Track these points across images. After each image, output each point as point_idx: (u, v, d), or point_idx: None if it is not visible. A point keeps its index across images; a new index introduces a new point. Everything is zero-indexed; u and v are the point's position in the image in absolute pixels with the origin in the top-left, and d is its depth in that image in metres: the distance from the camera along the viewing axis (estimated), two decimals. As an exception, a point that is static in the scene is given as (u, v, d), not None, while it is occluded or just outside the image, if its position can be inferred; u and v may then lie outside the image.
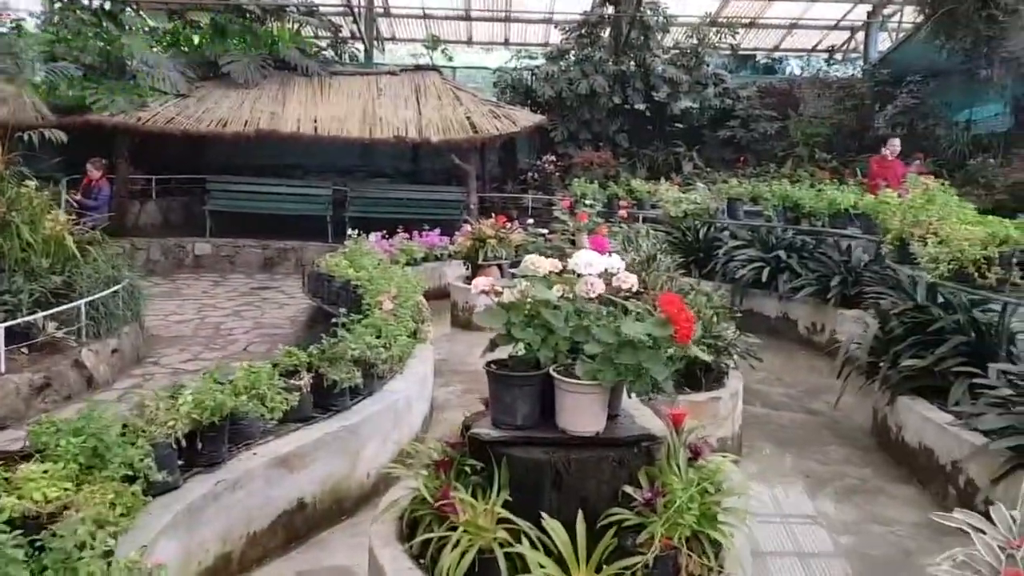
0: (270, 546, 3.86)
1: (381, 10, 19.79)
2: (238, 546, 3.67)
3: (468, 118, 14.52)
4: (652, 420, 3.16)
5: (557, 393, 2.96)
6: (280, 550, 3.94)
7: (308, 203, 14.82)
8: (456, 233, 11.15)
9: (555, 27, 18.80)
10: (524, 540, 2.74)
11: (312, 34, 17.30)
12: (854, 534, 4.39)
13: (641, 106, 16.92)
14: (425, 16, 20.21)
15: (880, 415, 5.69)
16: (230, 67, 14.86)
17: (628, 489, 2.88)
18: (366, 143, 14.93)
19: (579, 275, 3.10)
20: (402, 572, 2.77)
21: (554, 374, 2.93)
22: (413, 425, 5.23)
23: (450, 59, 19.08)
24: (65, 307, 6.80)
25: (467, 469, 3.01)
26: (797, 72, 21.03)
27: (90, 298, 7.06)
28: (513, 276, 9.52)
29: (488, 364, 3.07)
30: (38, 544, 2.44)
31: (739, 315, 6.18)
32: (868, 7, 18.47)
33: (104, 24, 14.28)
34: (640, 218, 12.48)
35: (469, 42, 21.40)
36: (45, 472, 2.83)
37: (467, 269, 9.87)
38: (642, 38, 16.94)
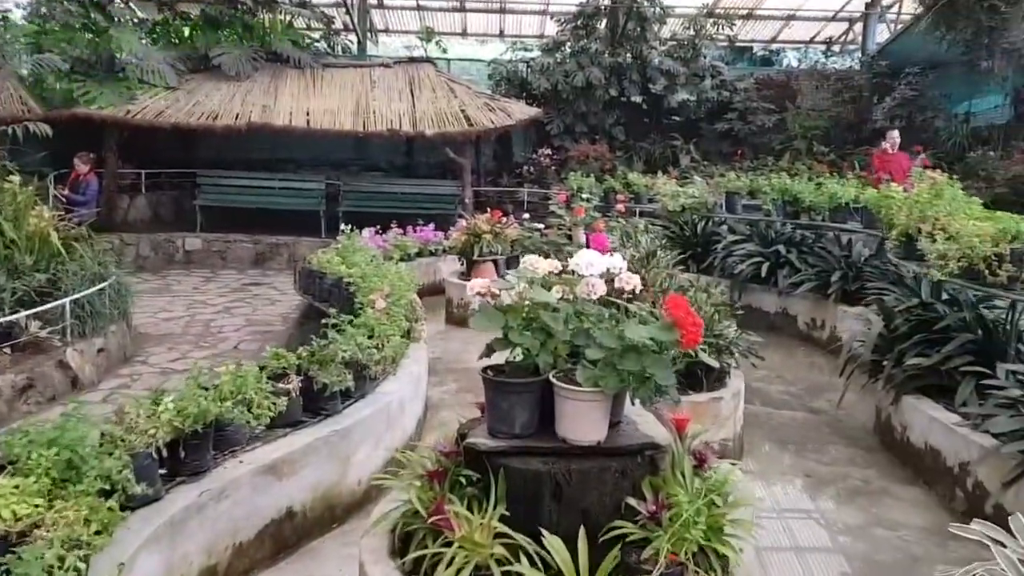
0: (258, 557, 3.71)
1: (374, 2, 19.56)
2: (224, 558, 3.52)
3: (463, 111, 14.34)
4: (656, 427, 3.02)
5: (557, 400, 2.81)
6: (268, 561, 3.79)
7: (300, 197, 14.64)
8: (451, 228, 10.99)
9: (551, 18, 18.59)
10: (523, 557, 2.60)
11: (304, 26, 17.07)
12: (859, 538, 4.27)
13: (638, 98, 16.76)
14: (419, 8, 19.98)
15: (884, 414, 5.56)
16: (221, 59, 14.65)
17: (631, 501, 2.75)
18: (359, 136, 14.73)
19: (580, 276, 2.95)
20: (394, 591, 2.63)
21: (554, 380, 2.79)
22: (407, 427, 5.09)
23: (444, 51, 18.89)
24: (49, 306, 6.64)
25: (462, 480, 2.87)
26: (794, 64, 20.89)
27: (75, 296, 6.89)
28: (509, 271, 9.43)
29: (484, 370, 2.92)
30: (3, 568, 2.29)
31: (740, 312, 6.03)
32: (867, -2, 18.34)
33: (92, 15, 14.07)
34: (637, 212, 12.35)
35: (464, 34, 21.19)
36: (16, 487, 2.67)
37: (462, 265, 9.71)
38: (638, 29, 16.76)
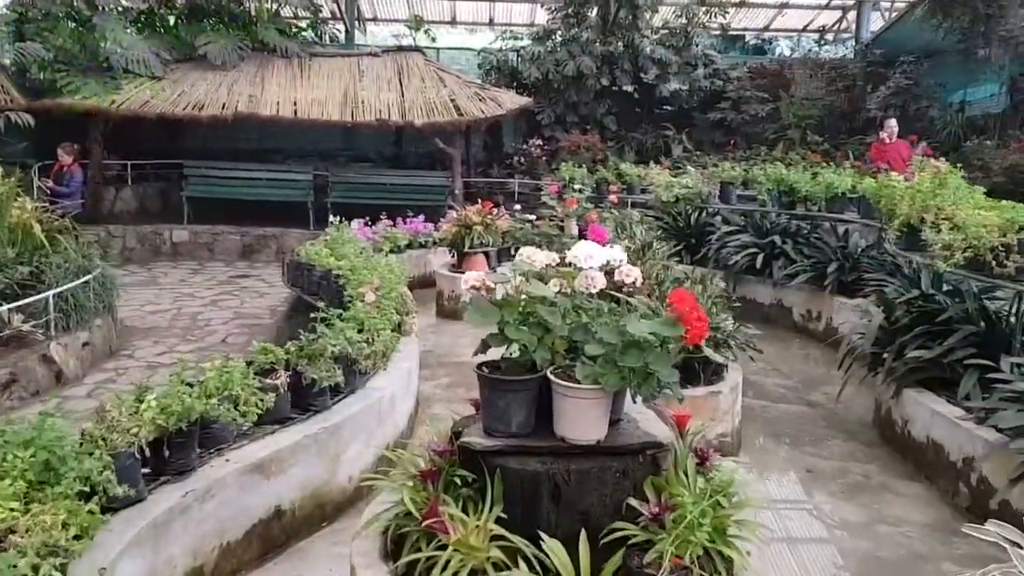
0: (245, 558, 3.60)
1: (362, -11, 19.35)
2: (210, 560, 3.40)
3: (452, 100, 14.18)
4: (657, 425, 2.92)
5: (555, 398, 2.70)
6: (256, 562, 3.68)
7: (288, 189, 14.46)
8: (441, 219, 10.85)
9: (541, 7, 18.39)
10: (520, 561, 2.49)
11: (291, 15, 16.84)
12: (861, 535, 4.18)
13: (629, 88, 16.61)
14: (407, -4, 19.80)
15: (884, 408, 5.48)
16: (207, 49, 14.41)
17: (633, 502, 2.64)
18: (348, 127, 14.57)
19: (578, 268, 2.84)
20: (387, 598, 2.52)
21: (552, 377, 2.68)
22: (398, 423, 4.97)
23: (433, 40, 18.67)
24: (32, 299, 6.50)
25: (457, 480, 2.75)
26: (787, 53, 20.78)
27: (59, 289, 6.75)
28: (500, 264, 9.31)
29: (479, 366, 2.81)
30: (-27, 579, 2.17)
31: (737, 304, 5.93)
32: (860, -14, 18.23)
33: (75, 4, 13.80)
34: (629, 203, 12.23)
35: (453, 23, 20.99)
36: (-11, 491, 2.55)
37: (453, 257, 9.58)
38: (630, 18, 16.59)
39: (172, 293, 10.34)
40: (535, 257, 2.81)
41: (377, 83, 14.69)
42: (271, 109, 13.63)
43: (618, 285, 2.99)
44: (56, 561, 2.38)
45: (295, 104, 13.84)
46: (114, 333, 7.75)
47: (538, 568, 2.50)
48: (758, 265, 9.04)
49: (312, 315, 4.78)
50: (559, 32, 17.17)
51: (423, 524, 2.58)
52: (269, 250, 13.38)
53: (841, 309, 7.91)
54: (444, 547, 2.54)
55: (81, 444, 3.02)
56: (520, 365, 2.78)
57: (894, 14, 16.87)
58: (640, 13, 16.67)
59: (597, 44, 16.36)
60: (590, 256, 2.81)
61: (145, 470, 3.32)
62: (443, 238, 9.71)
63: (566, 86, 16.57)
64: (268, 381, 3.97)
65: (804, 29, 21.19)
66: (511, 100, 14.84)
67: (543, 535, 2.52)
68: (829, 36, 20.75)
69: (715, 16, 17.36)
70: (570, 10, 16.99)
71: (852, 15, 19.39)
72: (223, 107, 13.46)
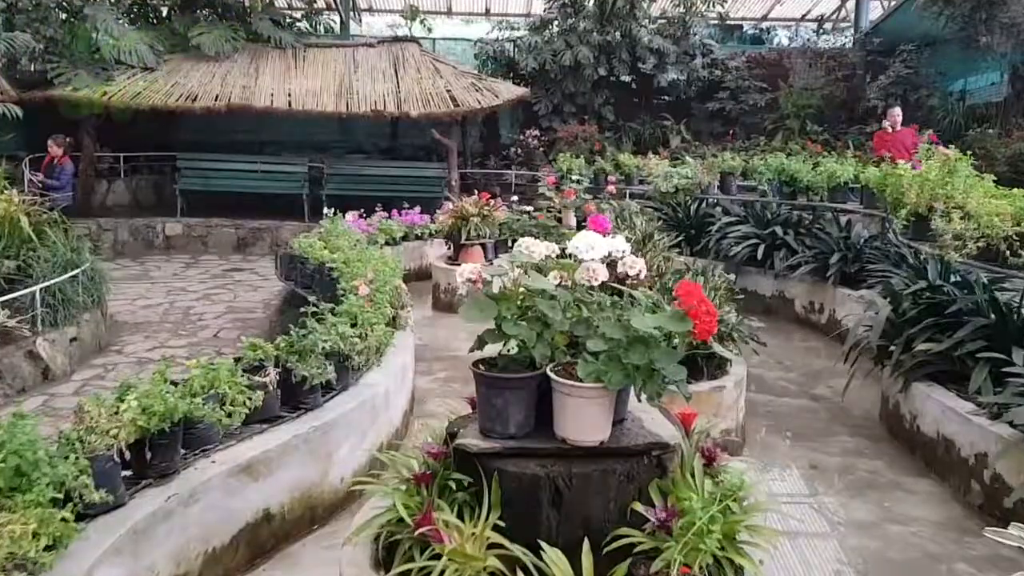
0: (232, 564, 3.45)
1: (358, -21, 19.10)
2: (194, 567, 3.26)
3: (448, 91, 13.99)
4: (663, 424, 2.78)
5: (555, 397, 2.56)
6: (244, 567, 3.54)
7: (283, 181, 14.27)
8: (437, 211, 10.68)
9: (538, -4, 18.20)
10: (519, 571, 2.35)
11: (286, 5, 16.63)
12: (870, 535, 4.05)
13: (627, 78, 16.42)
14: (403, -14, 19.52)
15: (891, 402, 5.35)
16: (200, 39, 14.19)
17: (638, 507, 2.51)
18: (343, 118, 14.38)
19: (579, 260, 2.69)
20: (378, 610, 2.38)
21: (552, 375, 2.53)
22: (392, 420, 4.83)
23: (429, 30, 18.45)
24: (18, 293, 6.35)
25: (452, 484, 2.61)
26: (785, 43, 20.58)
27: (46, 284, 6.59)
28: (498, 255, 9.15)
29: (475, 364, 2.66)
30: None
31: (741, 296, 5.78)
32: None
33: (66, -6, 13.58)
34: (627, 194, 12.08)
35: (449, 13, 20.74)
36: (-46, 500, 2.40)
37: (449, 249, 9.42)
38: (628, 7, 16.39)
39: (164, 287, 10.17)
40: (534, 248, 2.66)
41: (372, 74, 14.50)
42: (265, 100, 13.44)
43: (621, 277, 2.84)
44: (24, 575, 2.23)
45: (289, 95, 13.65)
46: (104, 328, 7.58)
47: (538, 578, 2.36)
48: (759, 256, 8.89)
49: (302, 310, 4.63)
50: (556, 22, 16.98)
51: (416, 532, 2.44)
52: (263, 243, 13.19)
53: (844, 301, 7.77)
54: (439, 556, 2.40)
55: (57, 447, 2.87)
56: (518, 362, 2.64)
57: (893, 2, 16.66)
58: (638, 2, 16.49)
59: (594, 34, 16.16)
60: (591, 247, 2.66)
61: (127, 472, 3.19)
62: (439, 230, 9.56)
63: (563, 76, 16.39)
64: (257, 379, 3.81)
65: (803, 18, 20.99)
66: (508, 90, 14.65)
67: (543, 544, 2.38)
68: (828, 25, 20.56)
69: (713, 5, 17.15)
70: (567, -1, 16.80)
71: (851, 4, 19.17)
72: (216, 98, 13.26)
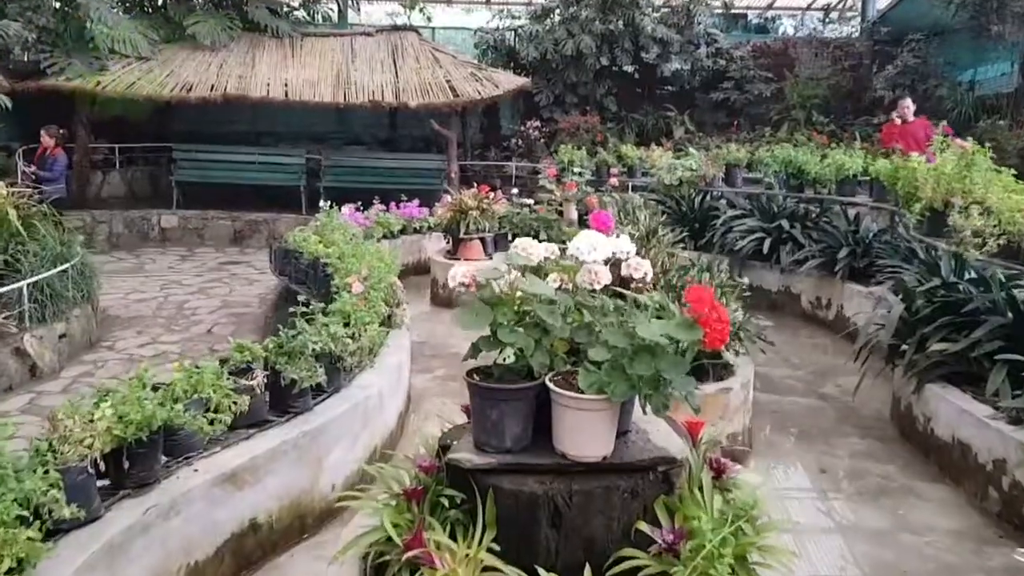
0: (216, 577, 3.29)
1: (356, -32, 18.82)
2: (176, 581, 3.10)
3: (448, 81, 13.78)
4: (669, 436, 2.61)
5: (555, 409, 2.39)
6: (229, 580, 3.38)
7: (280, 172, 14.08)
8: (436, 204, 10.49)
9: (539, -16, 17.93)
10: (516, 597, 2.19)
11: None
12: (884, 544, 3.88)
13: (630, 68, 16.19)
14: (403, -26, 19.24)
15: (903, 403, 5.17)
16: (195, 28, 13.99)
17: (643, 527, 2.34)
18: (341, 108, 14.18)
19: (581, 262, 2.51)
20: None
21: (551, 386, 2.36)
22: (387, 422, 4.66)
23: (429, 19, 18.20)
24: (5, 289, 6.19)
25: (444, 501, 2.44)
26: (790, 32, 20.31)
27: (34, 278, 6.43)
28: (497, 250, 8.97)
29: (470, 373, 2.49)
30: None
31: (748, 294, 5.59)
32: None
33: (60, -18, 13.38)
34: (630, 186, 11.89)
35: (448, 1, 20.47)
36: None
37: (448, 243, 9.23)
38: (631, -5, 16.16)
39: (159, 280, 10.01)
40: (531, 249, 2.48)
41: (370, 64, 14.29)
42: (261, 91, 13.24)
43: (626, 280, 2.67)
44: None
45: (286, 85, 13.45)
46: (94, 324, 7.42)
47: (536, 605, 2.20)
48: (765, 250, 8.71)
49: (291, 310, 4.45)
50: (557, 10, 16.72)
51: (405, 555, 2.27)
52: (260, 235, 13.01)
53: (853, 296, 7.60)
54: (429, 579, 2.23)
55: (28, 459, 2.71)
56: (515, 372, 2.47)
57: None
58: (641, -10, 16.24)
59: (597, 23, 15.91)
60: (594, 248, 2.48)
61: (104, 482, 3.03)
62: (438, 223, 9.37)
63: (565, 66, 16.16)
64: (243, 382, 3.65)
65: (808, 7, 20.70)
66: (508, 81, 14.44)
67: (540, 571, 2.21)
68: (834, 14, 20.27)
69: (718, -7, 16.92)
70: (569, -12, 16.54)
71: (858, -8, 18.93)
72: (212, 88, 13.07)
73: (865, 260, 7.63)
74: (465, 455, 2.42)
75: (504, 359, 2.48)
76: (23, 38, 12.30)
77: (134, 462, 3.04)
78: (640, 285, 2.63)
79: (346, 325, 4.54)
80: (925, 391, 4.82)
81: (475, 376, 2.46)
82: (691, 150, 11.90)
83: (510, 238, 9.40)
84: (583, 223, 9.24)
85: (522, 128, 16.10)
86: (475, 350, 2.49)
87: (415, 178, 13.85)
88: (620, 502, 2.36)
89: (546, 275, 2.56)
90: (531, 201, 9.89)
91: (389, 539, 2.42)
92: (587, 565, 2.26)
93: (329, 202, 8.73)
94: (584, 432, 2.36)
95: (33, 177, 10.49)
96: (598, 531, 2.34)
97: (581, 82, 16.38)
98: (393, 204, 10.66)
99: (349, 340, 4.30)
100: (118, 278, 9.89)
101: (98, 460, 2.82)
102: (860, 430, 5.38)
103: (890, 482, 4.58)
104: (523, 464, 2.39)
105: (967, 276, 5.29)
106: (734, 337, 4.89)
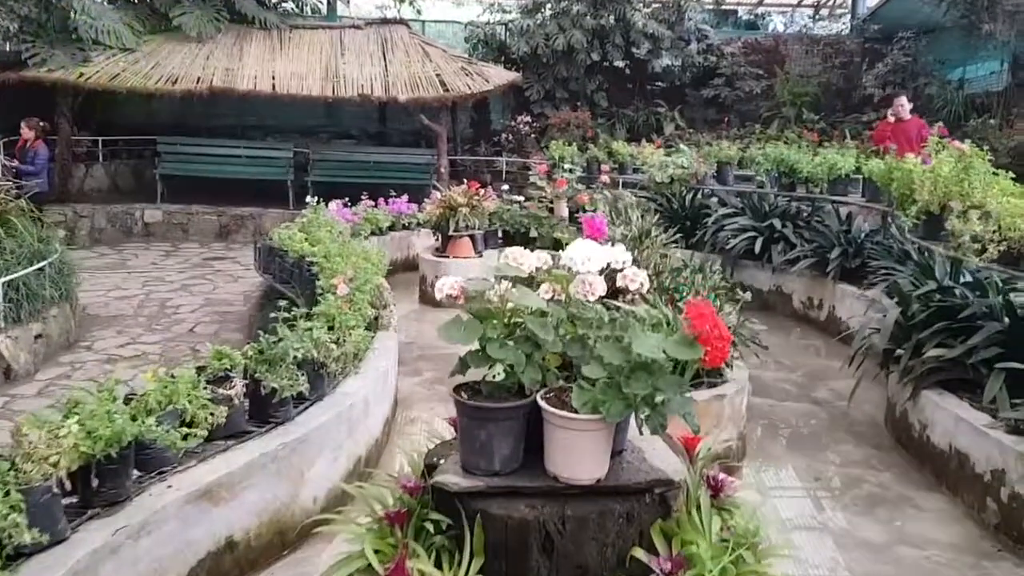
0: (191, 598, 3.15)
1: (345, -41, 18.60)
2: (148, 603, 2.96)
3: (438, 75, 13.61)
4: (666, 455, 2.48)
5: (547, 428, 2.26)
6: (205, 600, 3.24)
7: (267, 167, 13.89)
8: (425, 200, 10.35)
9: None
10: (504, 631, 2.07)
11: (271, -16, 16.15)
12: (881, 559, 3.78)
13: (620, 63, 16.08)
14: (392, -33, 19.02)
15: (898, 409, 5.08)
16: (181, 19, 13.76)
17: (640, 554, 2.22)
18: (329, 102, 14.00)
19: (575, 272, 2.38)
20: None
21: (543, 404, 2.23)
22: (372, 430, 4.52)
23: (419, 12, 18.01)
24: (-22, 288, 6.01)
25: (429, 527, 2.31)
26: (780, 29, 20.23)
27: (8, 277, 6.24)
28: (487, 247, 8.84)
29: (456, 390, 2.36)
30: None
31: (744, 298, 5.48)
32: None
33: (42, -28, 13.10)
34: (620, 183, 11.78)
35: (439, -5, 20.28)
36: None
37: (437, 240, 9.09)
38: (622, -10, 16.02)
39: (141, 277, 9.82)
40: (523, 259, 2.36)
41: (360, 57, 14.09)
42: (248, 83, 13.03)
43: (622, 291, 2.54)
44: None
45: (274, 78, 13.24)
46: (73, 323, 7.24)
47: (526, 638, 2.08)
48: (756, 249, 8.62)
49: (272, 315, 4.30)
50: (549, 5, 16.59)
51: (387, 585, 2.14)
52: (246, 231, 12.83)
53: (845, 297, 7.52)
54: (413, 610, 2.11)
55: None
56: (505, 388, 2.34)
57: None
58: (632, -15, 16.11)
59: (588, 17, 15.79)
60: (588, 258, 2.35)
61: (72, 499, 2.89)
62: (427, 220, 9.21)
63: (556, 61, 16.03)
64: (221, 391, 3.50)
65: (799, 4, 20.64)
66: (499, 75, 14.29)
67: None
68: (824, 11, 20.22)
69: (709, -11, 16.81)
70: (560, -18, 16.39)
71: (849, -11, 18.86)
72: (198, 81, 12.85)
73: (857, 260, 7.54)
74: (451, 478, 2.29)
75: (494, 376, 2.35)
76: (4, 28, 12.05)
77: (103, 479, 2.90)
78: (634, 297, 2.51)
79: (331, 329, 4.40)
80: (921, 398, 4.73)
81: (463, 393, 2.34)
82: (682, 147, 11.80)
83: (500, 235, 9.29)
84: (573, 220, 9.13)
85: (512, 123, 15.97)
86: (463, 365, 2.37)
87: (404, 173, 13.71)
88: (615, 527, 2.24)
89: (539, 284, 2.44)
90: (521, 198, 9.77)
91: (370, 566, 2.30)
92: (580, 597, 2.14)
93: (317, 197, 8.58)
94: (578, 453, 2.24)
95: (13, 171, 10.28)
96: (592, 558, 2.22)
97: (572, 77, 16.26)
98: (382, 200, 10.49)
99: (333, 345, 4.16)
100: (99, 275, 9.70)
101: (63, 479, 2.68)
102: (854, 437, 5.29)
103: (886, 491, 4.48)
104: (513, 487, 2.26)
105: (962, 280, 5.21)
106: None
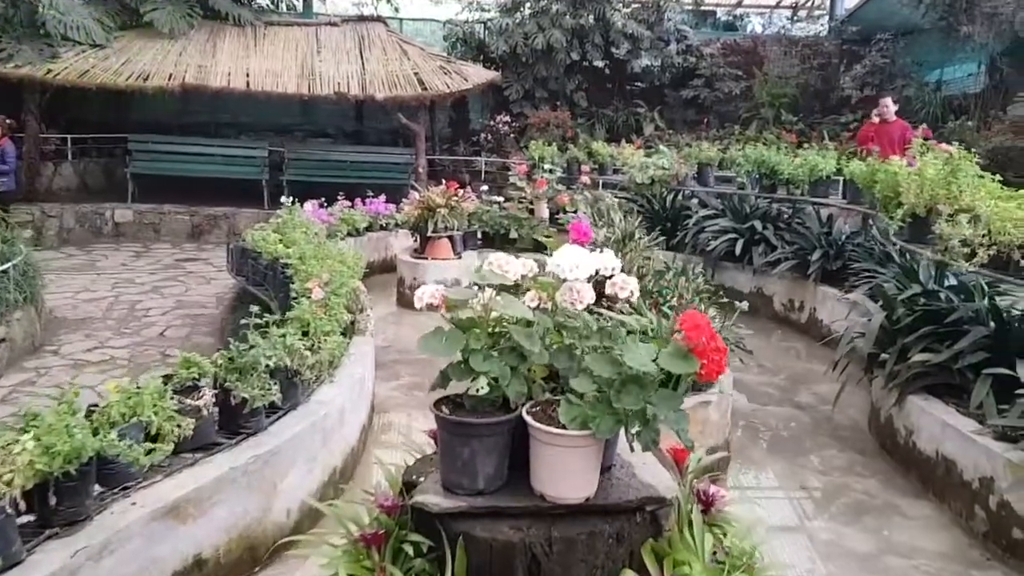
0: (156, 619, 3.00)
1: (322, -44, 18.39)
2: (110, 627, 2.80)
3: (416, 74, 13.44)
4: (656, 471, 2.37)
5: (533, 445, 2.15)
6: (171, 621, 3.08)
7: (242, 166, 13.65)
8: (403, 200, 10.19)
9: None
10: (489, 663, 1.95)
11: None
12: (868, 569, 3.71)
13: (600, 63, 16.00)
14: (369, -37, 18.83)
15: (883, 415, 5.02)
16: (153, 15, 13.48)
17: (630, 576, 2.11)
18: (305, 100, 13.76)
19: (561, 279, 2.27)
20: None
21: (530, 420, 2.11)
22: (348, 439, 4.38)
23: (396, 10, 17.85)
24: (-63, 291, 5.79)
25: (408, 549, 2.18)
26: (758, 30, 20.28)
27: (-30, 280, 6.03)
28: (467, 248, 8.71)
29: (437, 404, 2.23)
30: None
31: (740, 304, 5.39)
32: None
33: (8, -36, 12.78)
34: (601, 184, 11.70)
35: (417, -7, 20.11)
36: None
37: (415, 241, 8.94)
38: (601, -11, 15.95)
39: (111, 279, 9.57)
40: (508, 267, 2.23)
41: (336, 54, 13.89)
42: (222, 80, 12.78)
43: (609, 298, 2.43)
44: None
45: (248, 75, 13.00)
46: (38, 326, 7.01)
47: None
48: (737, 251, 8.58)
49: (243, 321, 4.15)
50: (528, 4, 16.46)
51: (363, 614, 2.02)
52: (220, 231, 12.59)
53: (826, 300, 7.48)
54: (391, 640, 1.98)
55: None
56: (489, 402, 2.22)
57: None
58: (611, -15, 16.04)
59: (567, 17, 15.70)
60: (576, 266, 2.23)
61: (29, 517, 2.72)
62: (406, 220, 9.06)
63: (535, 60, 15.93)
64: (189, 402, 3.35)
65: (777, 5, 20.70)
66: (477, 74, 14.15)
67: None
68: (802, 13, 20.29)
69: (688, -11, 16.79)
70: (539, -19, 16.28)
71: (826, -9, 18.95)
72: (170, 78, 12.58)
73: (838, 263, 7.51)
74: (432, 498, 2.16)
75: (477, 389, 2.22)
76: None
77: (62, 497, 2.74)
78: (624, 305, 2.40)
79: (305, 335, 4.25)
80: (907, 403, 4.67)
81: (444, 408, 2.21)
82: (662, 148, 11.74)
83: (480, 236, 9.16)
84: (554, 221, 9.03)
85: (492, 123, 15.85)
86: (444, 379, 2.24)
87: (382, 172, 13.55)
88: (604, 549, 2.13)
89: (525, 291, 2.32)
90: (501, 199, 9.65)
91: (346, 591, 2.17)
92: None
93: (292, 197, 8.39)
94: (565, 471, 2.12)
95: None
96: (580, 582, 2.11)
97: (551, 77, 16.17)
98: (359, 200, 10.32)
99: (308, 352, 4.02)
100: (67, 276, 9.46)
101: (17, 499, 2.52)
102: (838, 442, 5.22)
103: (872, 499, 4.42)
104: (497, 508, 2.14)
105: (947, 284, 5.16)
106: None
